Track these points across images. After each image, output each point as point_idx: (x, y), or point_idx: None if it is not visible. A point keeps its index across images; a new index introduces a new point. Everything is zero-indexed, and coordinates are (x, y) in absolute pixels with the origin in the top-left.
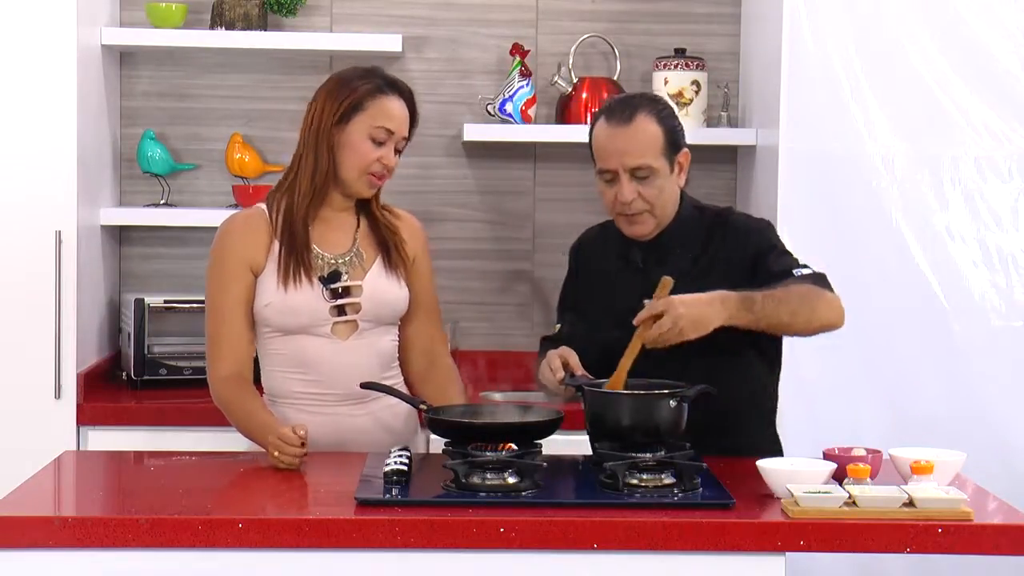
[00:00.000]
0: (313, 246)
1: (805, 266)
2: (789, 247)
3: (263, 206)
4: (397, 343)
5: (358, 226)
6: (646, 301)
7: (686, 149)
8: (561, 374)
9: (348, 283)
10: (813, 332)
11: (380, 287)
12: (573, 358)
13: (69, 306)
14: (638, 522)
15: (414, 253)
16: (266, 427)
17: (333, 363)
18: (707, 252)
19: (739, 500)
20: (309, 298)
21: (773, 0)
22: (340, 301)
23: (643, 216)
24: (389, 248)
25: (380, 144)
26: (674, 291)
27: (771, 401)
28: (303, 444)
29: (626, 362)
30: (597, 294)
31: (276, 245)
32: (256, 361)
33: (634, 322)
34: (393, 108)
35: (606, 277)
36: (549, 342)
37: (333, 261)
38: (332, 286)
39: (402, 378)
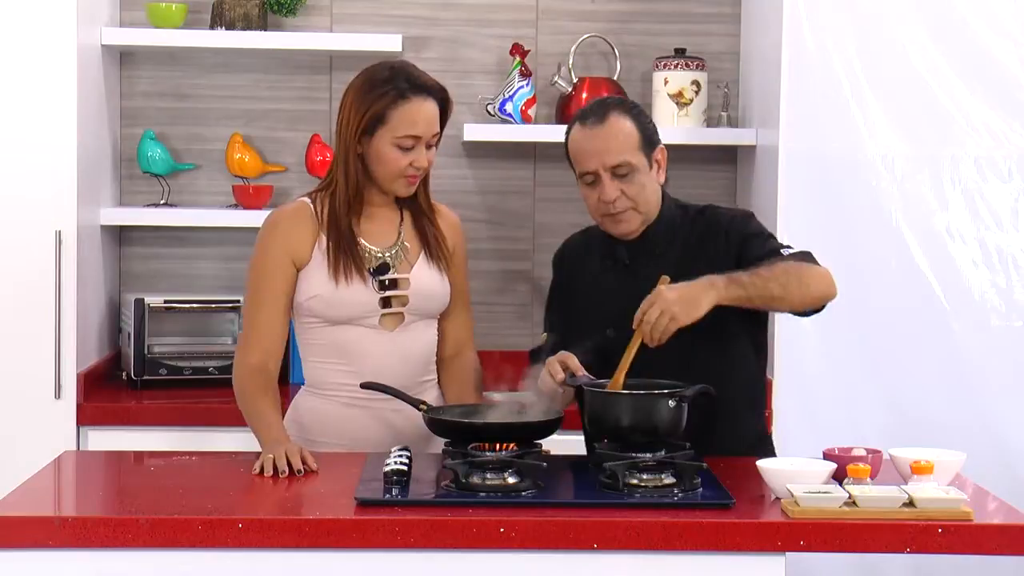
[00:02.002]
0: (359, 239)
1: (789, 247)
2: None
3: (307, 200)
4: (437, 338)
5: (401, 219)
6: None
7: (662, 145)
8: (561, 376)
9: (396, 276)
10: (811, 304)
11: (425, 280)
12: (573, 361)
13: (69, 306)
14: (638, 522)
15: (453, 247)
16: (275, 439)
17: (377, 354)
18: (693, 247)
19: (739, 500)
20: (360, 292)
21: (773, 0)
22: (388, 293)
23: (628, 214)
24: (430, 241)
25: (408, 150)
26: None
27: (761, 391)
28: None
29: (625, 362)
30: (585, 298)
31: (323, 238)
32: (285, 355)
33: (633, 325)
34: (417, 113)
35: (592, 279)
36: (539, 352)
37: (380, 254)
38: (381, 278)
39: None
